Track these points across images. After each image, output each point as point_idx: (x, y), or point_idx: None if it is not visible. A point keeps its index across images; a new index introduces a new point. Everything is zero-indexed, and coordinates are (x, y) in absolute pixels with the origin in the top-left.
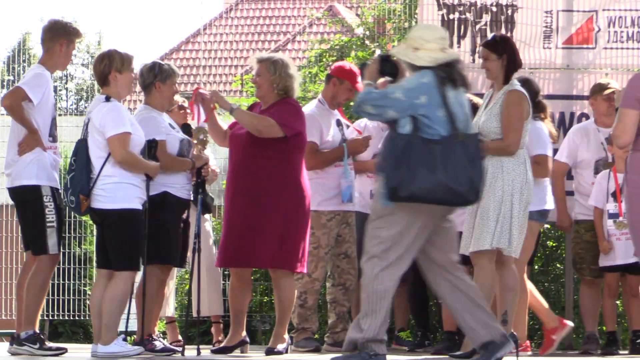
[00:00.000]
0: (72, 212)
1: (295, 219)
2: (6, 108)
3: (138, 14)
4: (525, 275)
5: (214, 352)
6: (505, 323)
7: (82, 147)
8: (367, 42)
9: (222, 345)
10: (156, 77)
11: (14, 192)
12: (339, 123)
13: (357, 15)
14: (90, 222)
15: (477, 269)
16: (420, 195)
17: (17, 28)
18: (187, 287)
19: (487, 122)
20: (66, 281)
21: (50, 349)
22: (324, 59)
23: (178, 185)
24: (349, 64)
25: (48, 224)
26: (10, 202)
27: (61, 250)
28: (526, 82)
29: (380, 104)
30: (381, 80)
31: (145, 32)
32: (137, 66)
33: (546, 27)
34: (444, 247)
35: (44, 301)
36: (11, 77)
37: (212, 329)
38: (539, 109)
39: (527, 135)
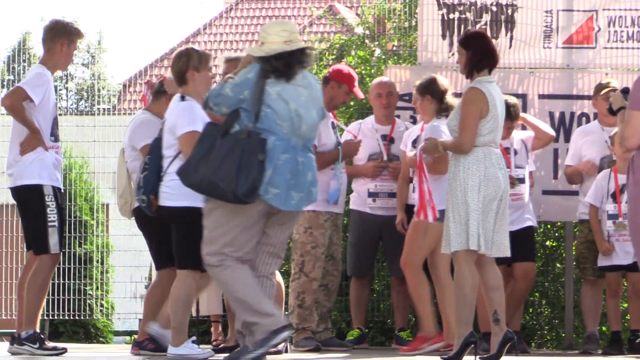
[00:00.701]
0: (71, 213)
1: None
2: (7, 108)
3: (138, 13)
4: (445, 272)
5: (213, 352)
6: (497, 322)
7: (155, 147)
8: (367, 41)
9: (222, 345)
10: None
11: (16, 191)
12: (333, 125)
13: (357, 14)
14: (92, 222)
15: (455, 269)
16: (194, 185)
17: (17, 28)
18: None
19: (451, 121)
20: (66, 281)
21: (50, 348)
22: (324, 58)
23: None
24: (347, 67)
25: (49, 224)
26: (11, 202)
27: (62, 250)
28: (432, 82)
29: (217, 101)
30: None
31: (145, 32)
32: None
33: (546, 26)
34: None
35: (45, 301)
36: (11, 77)
37: (212, 329)
38: (444, 108)
39: (491, 133)
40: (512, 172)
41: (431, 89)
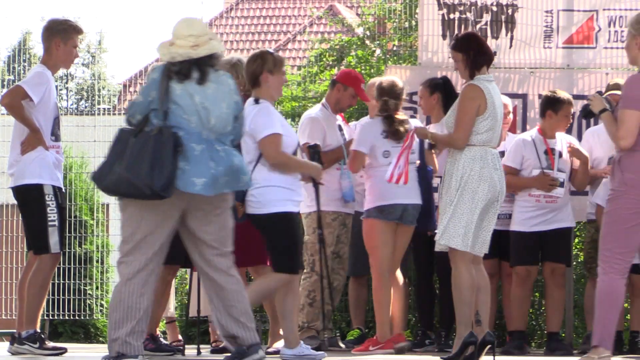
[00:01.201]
0: (70, 213)
1: None
2: (6, 107)
3: (138, 13)
4: (397, 274)
5: (213, 352)
6: (479, 323)
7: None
8: (367, 41)
9: (222, 345)
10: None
11: (17, 191)
12: (340, 128)
13: (358, 14)
14: (91, 222)
15: (452, 269)
16: (110, 188)
17: (17, 27)
18: (187, 287)
19: (448, 118)
20: (66, 281)
21: (50, 348)
22: (324, 59)
23: None
24: (354, 71)
25: (50, 223)
26: (11, 202)
27: (62, 249)
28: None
29: (131, 112)
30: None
31: (145, 32)
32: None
33: (546, 26)
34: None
35: (45, 300)
36: (12, 77)
37: (210, 328)
38: (384, 109)
39: (488, 131)
40: (554, 174)
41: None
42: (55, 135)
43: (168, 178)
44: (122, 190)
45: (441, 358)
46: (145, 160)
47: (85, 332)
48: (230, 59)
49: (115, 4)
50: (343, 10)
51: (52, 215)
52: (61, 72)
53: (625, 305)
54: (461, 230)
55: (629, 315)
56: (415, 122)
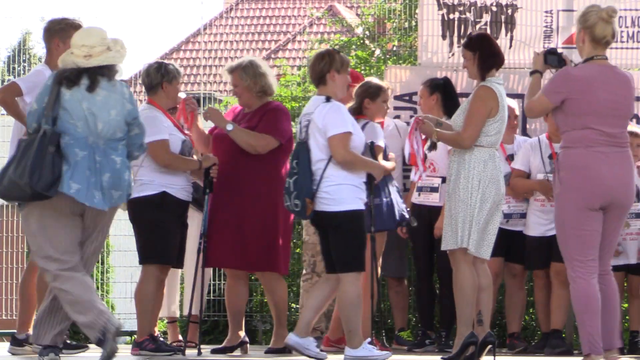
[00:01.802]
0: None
1: (283, 221)
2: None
3: (138, 13)
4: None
5: (213, 352)
6: (481, 323)
7: (303, 150)
8: (367, 42)
9: (222, 345)
10: (163, 78)
11: None
12: None
13: (357, 15)
14: None
15: (454, 269)
16: (4, 193)
17: (17, 28)
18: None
19: (457, 117)
20: None
21: (73, 346)
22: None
23: (178, 186)
24: (355, 71)
25: None
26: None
27: None
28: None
29: (29, 120)
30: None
31: (146, 32)
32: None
33: (546, 27)
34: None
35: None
36: (11, 77)
37: (190, 328)
38: (357, 112)
39: (497, 134)
40: None
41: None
42: None
43: (49, 178)
44: (9, 192)
45: (441, 358)
46: (27, 161)
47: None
48: (240, 61)
49: (115, 4)
50: (343, 10)
51: None
52: None
53: (625, 305)
54: (473, 233)
55: (628, 315)
56: (400, 124)
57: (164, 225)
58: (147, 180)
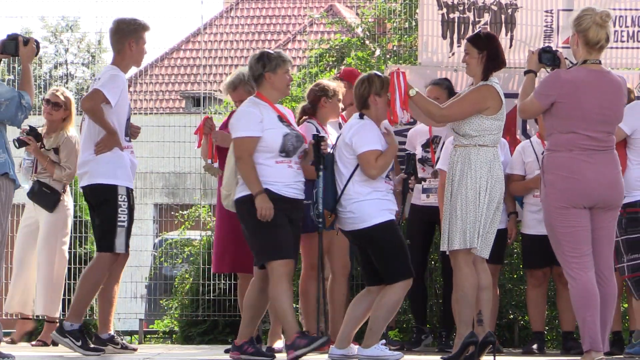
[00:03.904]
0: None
1: None
2: (87, 111)
3: (138, 13)
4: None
5: (227, 352)
6: (481, 323)
7: (329, 163)
8: (367, 42)
9: (281, 346)
10: (265, 68)
11: (90, 189)
12: (340, 126)
13: (357, 14)
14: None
15: (454, 269)
16: None
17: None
18: (187, 287)
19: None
20: (67, 281)
21: (91, 349)
22: (324, 59)
23: (280, 183)
24: (357, 70)
25: (119, 224)
26: (13, 202)
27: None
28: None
29: None
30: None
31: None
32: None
33: (546, 26)
34: None
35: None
36: (11, 77)
37: (45, 328)
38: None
39: (499, 133)
40: None
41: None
42: (129, 135)
43: None
44: None
45: (441, 358)
46: None
47: (86, 332)
48: (240, 73)
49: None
50: (343, 10)
51: (123, 216)
52: (61, 72)
53: (625, 305)
54: (477, 230)
55: (627, 315)
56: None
57: (269, 222)
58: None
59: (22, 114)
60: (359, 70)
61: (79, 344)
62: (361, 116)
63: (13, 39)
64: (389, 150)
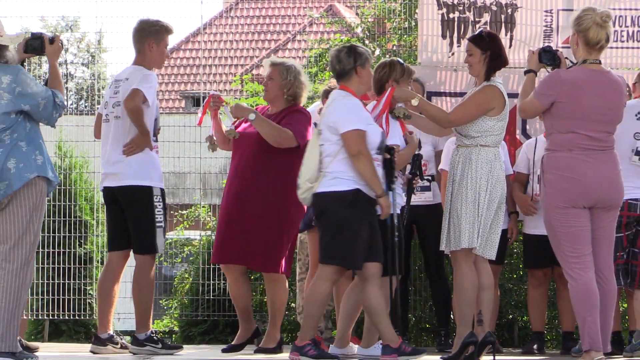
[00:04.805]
0: (71, 213)
1: (289, 225)
2: (131, 111)
3: (138, 13)
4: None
5: (224, 351)
6: (481, 323)
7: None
8: (366, 42)
9: (232, 343)
10: (356, 62)
11: (123, 191)
12: None
13: (357, 14)
14: (92, 221)
15: (455, 269)
16: None
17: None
18: (187, 286)
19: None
20: (67, 281)
21: (172, 347)
22: (324, 59)
23: None
24: None
25: (157, 224)
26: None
27: (62, 250)
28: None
29: None
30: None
31: None
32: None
33: (546, 26)
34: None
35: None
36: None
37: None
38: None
39: (501, 134)
40: None
41: None
42: (156, 135)
43: None
44: None
45: (441, 358)
46: None
47: (85, 332)
48: (288, 61)
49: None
50: (343, 10)
51: (159, 216)
52: (61, 72)
53: (625, 305)
54: (477, 230)
55: (627, 315)
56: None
57: (352, 225)
58: (341, 175)
59: (57, 112)
60: None
61: (159, 346)
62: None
63: (38, 37)
64: (408, 147)
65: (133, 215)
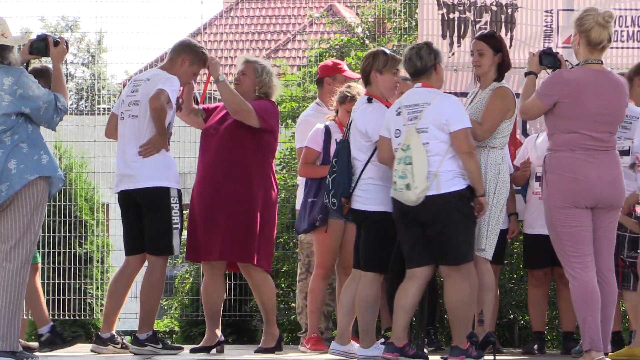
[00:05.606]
0: (71, 213)
1: (264, 218)
2: (155, 109)
3: (138, 13)
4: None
5: (192, 351)
6: (482, 323)
7: (343, 149)
8: (367, 41)
9: (200, 345)
10: (436, 59)
11: (141, 192)
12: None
13: (357, 14)
14: (92, 221)
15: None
16: None
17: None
18: (187, 286)
19: (473, 118)
20: (66, 281)
21: (174, 347)
22: (324, 59)
23: None
24: (329, 60)
25: (174, 226)
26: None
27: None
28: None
29: None
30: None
31: (146, 32)
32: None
33: (546, 26)
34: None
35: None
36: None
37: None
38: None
39: (508, 135)
40: None
41: None
42: (169, 136)
43: None
44: None
45: (441, 357)
46: None
47: (85, 332)
48: (263, 60)
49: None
50: (343, 10)
51: (176, 217)
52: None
53: (625, 306)
54: (490, 235)
55: (627, 315)
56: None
57: (474, 220)
58: (457, 174)
59: (58, 116)
60: (358, 72)
61: (160, 346)
62: (369, 100)
63: (43, 39)
64: None
65: (150, 215)
